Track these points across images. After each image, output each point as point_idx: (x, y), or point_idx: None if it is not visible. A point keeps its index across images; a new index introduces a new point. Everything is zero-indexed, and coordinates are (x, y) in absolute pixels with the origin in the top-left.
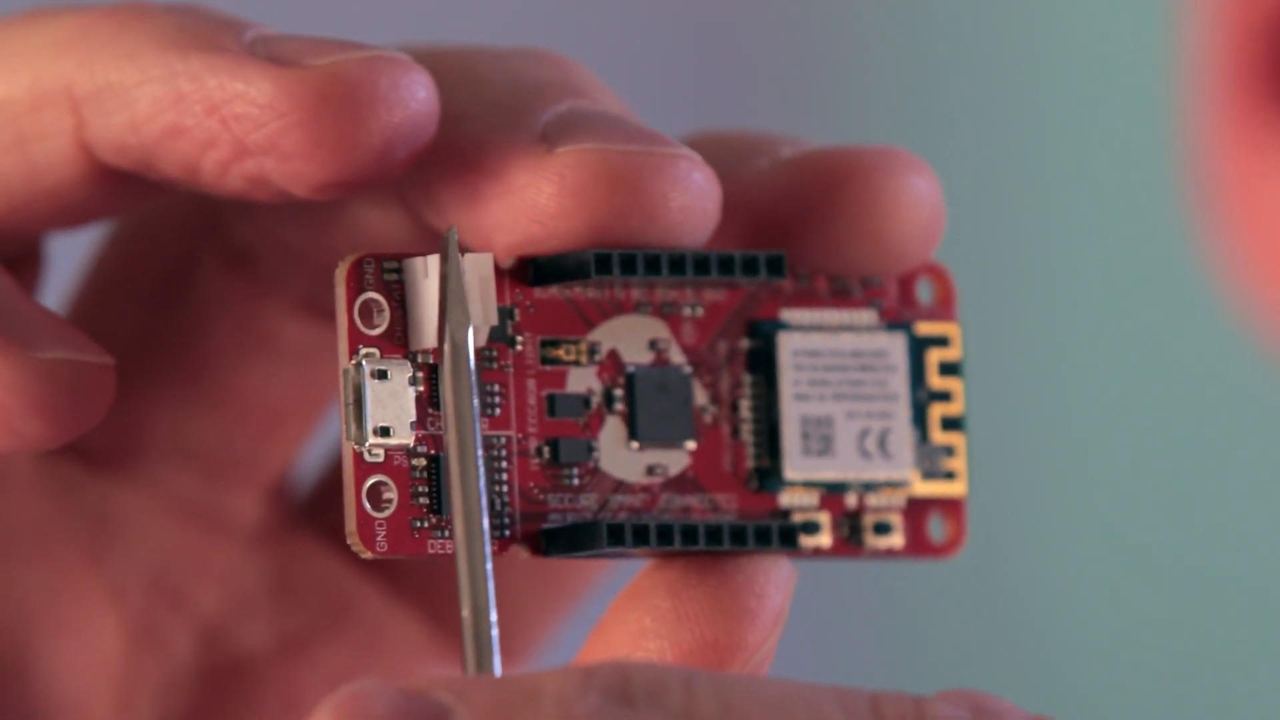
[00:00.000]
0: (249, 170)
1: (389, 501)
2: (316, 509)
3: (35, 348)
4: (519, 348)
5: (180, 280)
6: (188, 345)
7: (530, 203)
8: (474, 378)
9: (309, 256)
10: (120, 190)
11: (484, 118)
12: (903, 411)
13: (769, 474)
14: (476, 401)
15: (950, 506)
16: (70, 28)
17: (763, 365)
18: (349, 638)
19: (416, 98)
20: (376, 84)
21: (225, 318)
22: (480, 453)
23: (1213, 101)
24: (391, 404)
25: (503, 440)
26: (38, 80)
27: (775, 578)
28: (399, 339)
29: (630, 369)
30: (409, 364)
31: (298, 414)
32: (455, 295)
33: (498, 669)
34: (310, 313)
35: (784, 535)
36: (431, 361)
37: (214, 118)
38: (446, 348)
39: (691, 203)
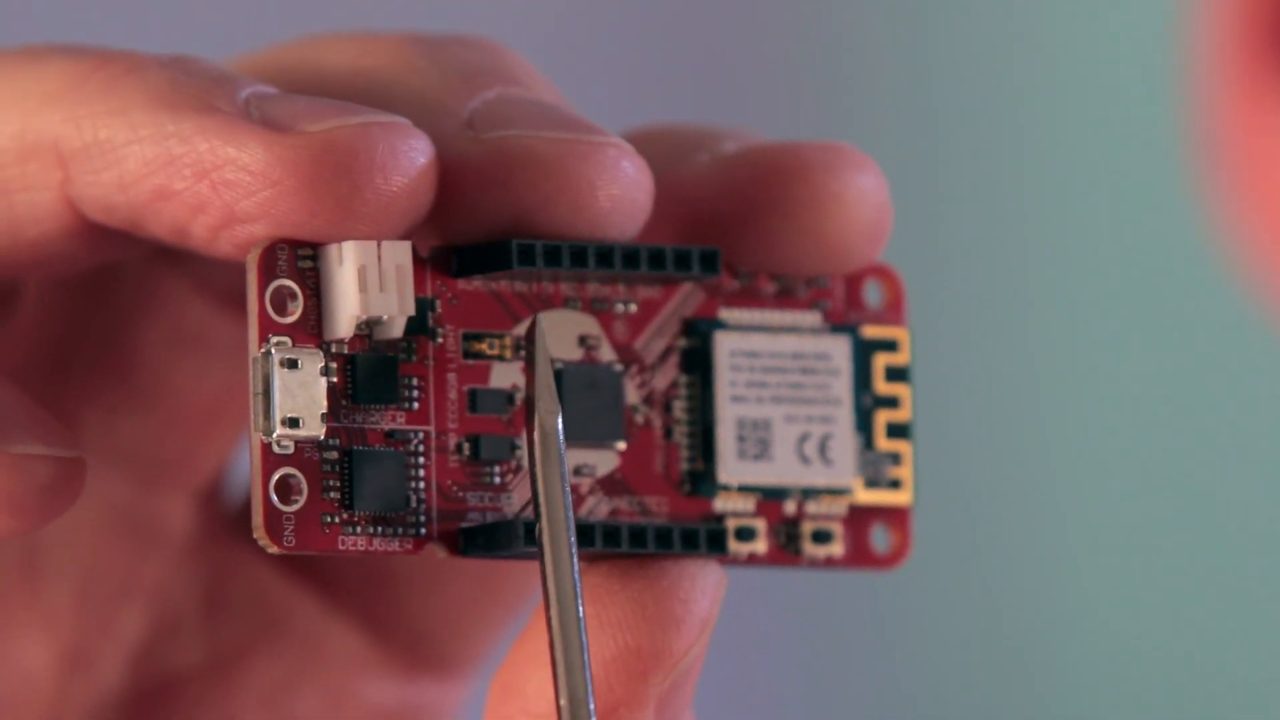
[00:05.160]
0: (239, 237)
1: (298, 495)
2: (248, 517)
3: (7, 440)
4: (440, 340)
5: (108, 275)
6: (117, 342)
7: (454, 190)
8: (565, 467)
9: None
10: (105, 245)
11: (413, 104)
12: (845, 417)
13: (702, 477)
14: (569, 489)
15: (895, 516)
16: (61, 77)
17: (698, 365)
18: (284, 652)
19: (415, 164)
20: (374, 152)
21: (155, 314)
22: (574, 539)
23: (1216, 65)
24: (301, 394)
25: (420, 435)
26: (25, 131)
27: (702, 583)
28: (312, 328)
29: (558, 365)
30: (321, 354)
31: (229, 414)
32: (544, 382)
33: None
34: (241, 309)
35: (712, 539)
36: (346, 352)
37: (204, 182)
38: (536, 435)
39: (620, 193)
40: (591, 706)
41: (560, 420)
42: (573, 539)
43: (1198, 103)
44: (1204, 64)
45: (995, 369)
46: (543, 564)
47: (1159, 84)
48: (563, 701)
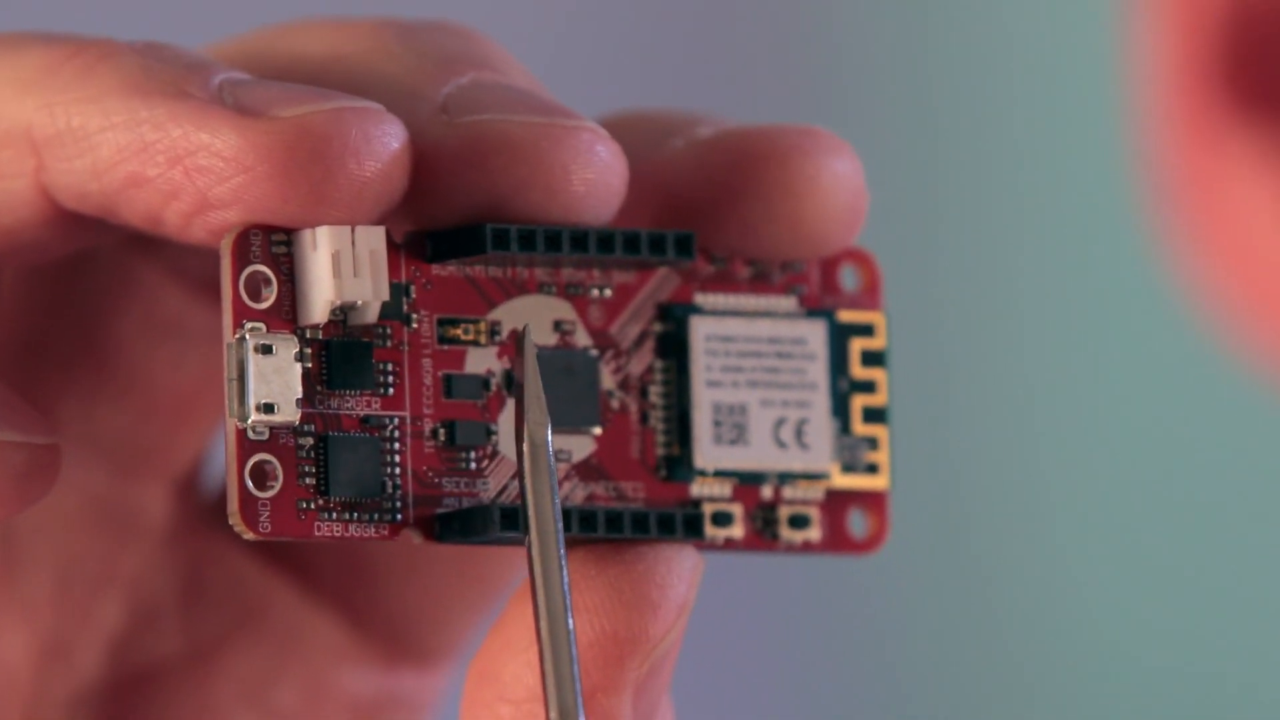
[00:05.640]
0: (212, 223)
1: (274, 481)
2: (225, 505)
3: None
4: (415, 326)
5: (82, 263)
6: (92, 331)
7: (428, 175)
8: (554, 478)
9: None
10: (79, 232)
11: (387, 90)
12: (822, 401)
13: (678, 462)
14: (558, 502)
15: (872, 501)
16: (34, 65)
17: (674, 350)
18: (264, 642)
19: (389, 149)
20: (347, 137)
21: (130, 301)
22: (563, 551)
23: (1165, 102)
24: (276, 380)
25: (395, 421)
26: None
27: (678, 568)
28: (286, 314)
29: None
30: (296, 339)
31: (206, 402)
32: (533, 394)
33: None
34: (215, 295)
35: (688, 524)
36: (321, 338)
37: (177, 168)
38: (526, 447)
39: (594, 177)
40: (582, 718)
41: (550, 432)
42: (562, 551)
43: (1146, 138)
44: (1156, 106)
45: (972, 353)
46: (532, 577)
47: (1116, 104)
48: (553, 714)
